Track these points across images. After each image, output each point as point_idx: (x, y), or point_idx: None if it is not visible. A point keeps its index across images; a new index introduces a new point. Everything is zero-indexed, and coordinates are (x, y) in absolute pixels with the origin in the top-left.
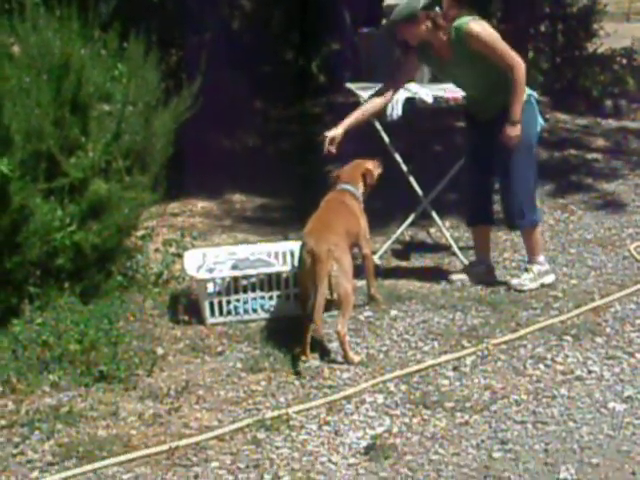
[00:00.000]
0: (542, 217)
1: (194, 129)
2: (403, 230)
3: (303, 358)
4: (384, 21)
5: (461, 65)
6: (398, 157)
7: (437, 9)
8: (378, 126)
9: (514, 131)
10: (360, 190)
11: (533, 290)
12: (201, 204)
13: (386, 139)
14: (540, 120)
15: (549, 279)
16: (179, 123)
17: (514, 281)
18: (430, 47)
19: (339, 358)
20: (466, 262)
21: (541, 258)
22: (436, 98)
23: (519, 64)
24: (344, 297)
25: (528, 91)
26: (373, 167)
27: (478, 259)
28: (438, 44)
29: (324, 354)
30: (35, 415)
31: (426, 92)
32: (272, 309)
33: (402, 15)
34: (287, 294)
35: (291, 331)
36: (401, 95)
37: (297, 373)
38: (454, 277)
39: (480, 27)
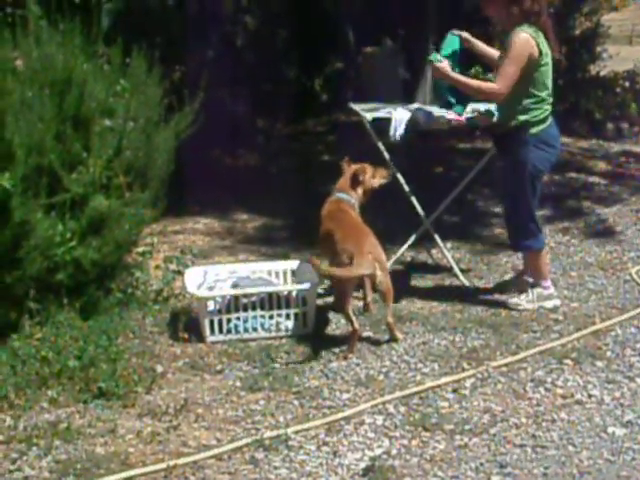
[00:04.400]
0: (545, 242)
1: (196, 146)
2: (404, 251)
3: (350, 355)
4: (388, 42)
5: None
6: (400, 177)
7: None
8: (381, 146)
9: (439, 66)
10: (354, 198)
11: (530, 311)
12: (203, 222)
13: (388, 159)
14: (550, 151)
15: (551, 303)
16: (181, 140)
17: (511, 300)
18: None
19: (339, 379)
20: (467, 283)
21: (545, 282)
22: (438, 118)
23: (499, 91)
24: (388, 291)
25: (540, 127)
26: (368, 171)
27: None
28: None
29: (324, 374)
30: (33, 431)
31: (428, 112)
32: (272, 328)
33: None
34: (287, 313)
35: (291, 350)
36: (404, 115)
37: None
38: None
39: (522, 39)
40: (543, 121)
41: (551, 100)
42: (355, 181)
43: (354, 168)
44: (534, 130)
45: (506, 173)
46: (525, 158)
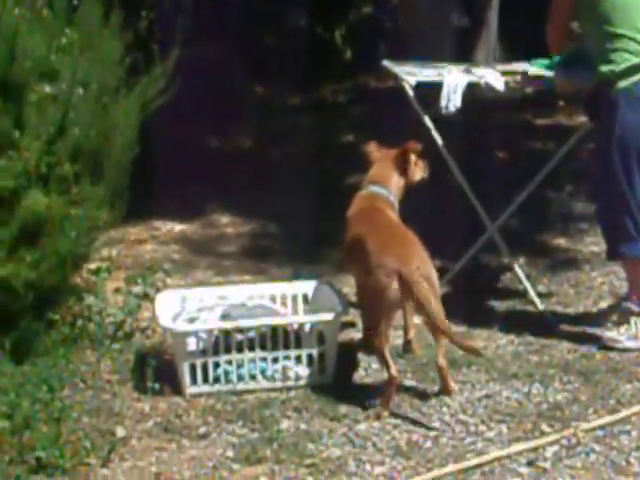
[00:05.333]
0: None
1: (169, 122)
2: (459, 268)
3: (385, 413)
4: None
5: None
6: (454, 166)
7: None
8: (427, 122)
9: None
10: (394, 193)
11: (634, 352)
12: (178, 227)
13: (439, 141)
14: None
15: None
16: (148, 113)
17: (607, 333)
18: None
19: (369, 446)
20: (547, 312)
21: None
22: (507, 84)
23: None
24: (441, 324)
25: (632, 78)
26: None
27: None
28: None
29: (348, 440)
30: None
31: (495, 76)
32: (277, 376)
33: None
34: (298, 355)
35: (303, 406)
36: (460, 80)
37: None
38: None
39: None
40: (635, 70)
41: None
42: (403, 165)
43: (404, 147)
44: (623, 83)
45: (594, 152)
46: (612, 125)
